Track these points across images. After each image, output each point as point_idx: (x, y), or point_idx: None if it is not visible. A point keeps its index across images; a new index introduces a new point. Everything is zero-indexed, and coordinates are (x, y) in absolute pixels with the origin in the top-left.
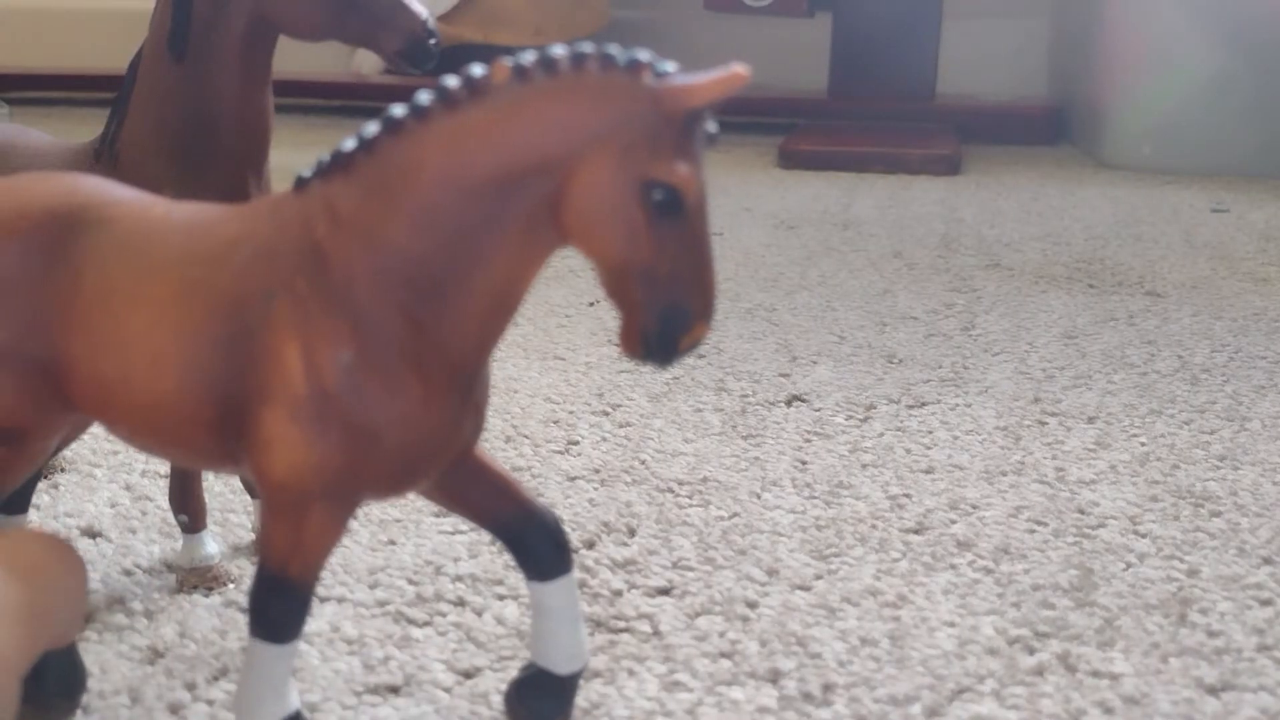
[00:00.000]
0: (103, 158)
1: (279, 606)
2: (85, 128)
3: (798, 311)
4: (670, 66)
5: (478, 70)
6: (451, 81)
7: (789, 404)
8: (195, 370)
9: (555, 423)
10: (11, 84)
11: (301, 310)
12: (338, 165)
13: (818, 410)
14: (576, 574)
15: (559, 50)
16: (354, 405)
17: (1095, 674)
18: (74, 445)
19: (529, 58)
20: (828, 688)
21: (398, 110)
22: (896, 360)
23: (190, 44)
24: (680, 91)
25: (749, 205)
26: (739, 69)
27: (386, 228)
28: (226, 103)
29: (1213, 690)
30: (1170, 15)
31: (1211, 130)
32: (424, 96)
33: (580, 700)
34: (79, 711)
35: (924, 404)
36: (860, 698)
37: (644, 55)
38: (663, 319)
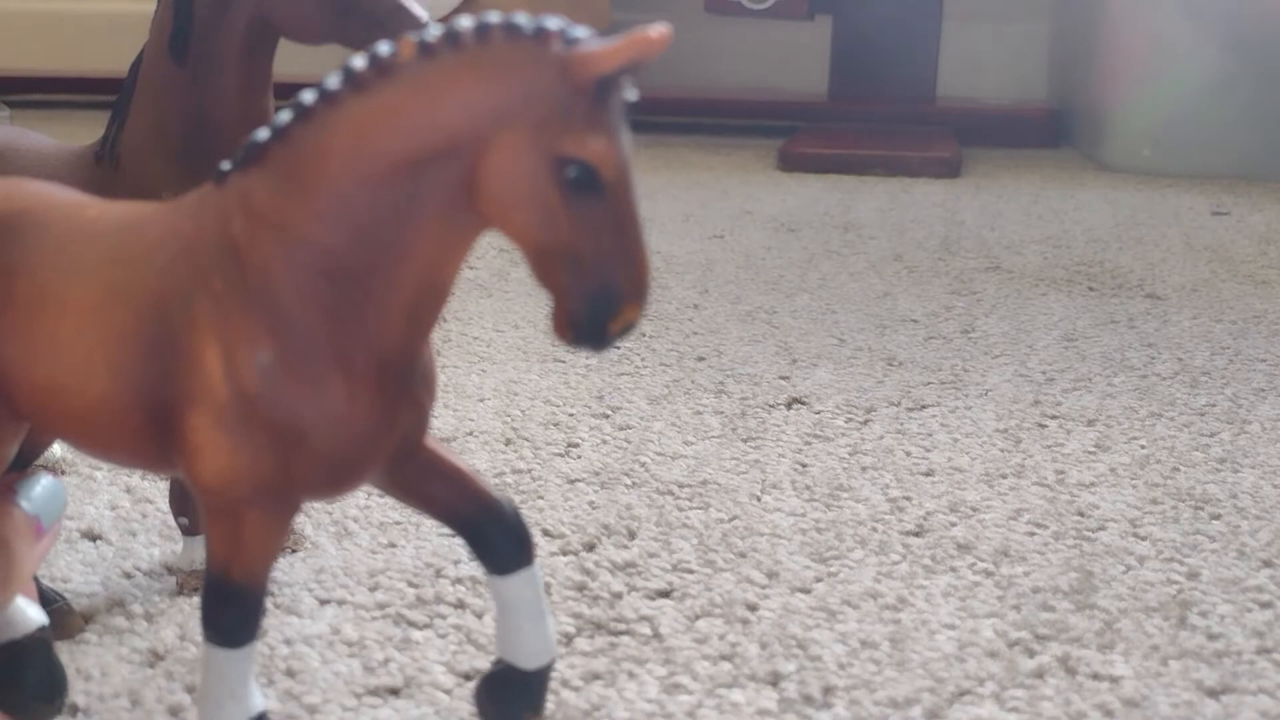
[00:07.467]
0: (103, 160)
1: (227, 612)
2: (86, 130)
3: (798, 314)
4: (581, 32)
5: (384, 48)
6: (358, 62)
7: (789, 406)
8: (121, 375)
9: (555, 425)
10: (12, 86)
11: (219, 310)
12: (252, 156)
13: (818, 413)
14: (539, 568)
15: (464, 22)
16: (276, 406)
17: (1095, 676)
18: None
19: (434, 31)
20: (828, 690)
21: (307, 96)
22: (896, 363)
23: (191, 47)
24: (586, 58)
25: (749, 208)
26: (655, 30)
27: (300, 220)
28: (227, 105)
29: (1213, 693)
30: (1170, 18)
31: (1212, 133)
32: (332, 80)
33: (580, 702)
34: (78, 714)
35: (924, 406)
36: (860, 700)
37: (553, 22)
38: (591, 302)
